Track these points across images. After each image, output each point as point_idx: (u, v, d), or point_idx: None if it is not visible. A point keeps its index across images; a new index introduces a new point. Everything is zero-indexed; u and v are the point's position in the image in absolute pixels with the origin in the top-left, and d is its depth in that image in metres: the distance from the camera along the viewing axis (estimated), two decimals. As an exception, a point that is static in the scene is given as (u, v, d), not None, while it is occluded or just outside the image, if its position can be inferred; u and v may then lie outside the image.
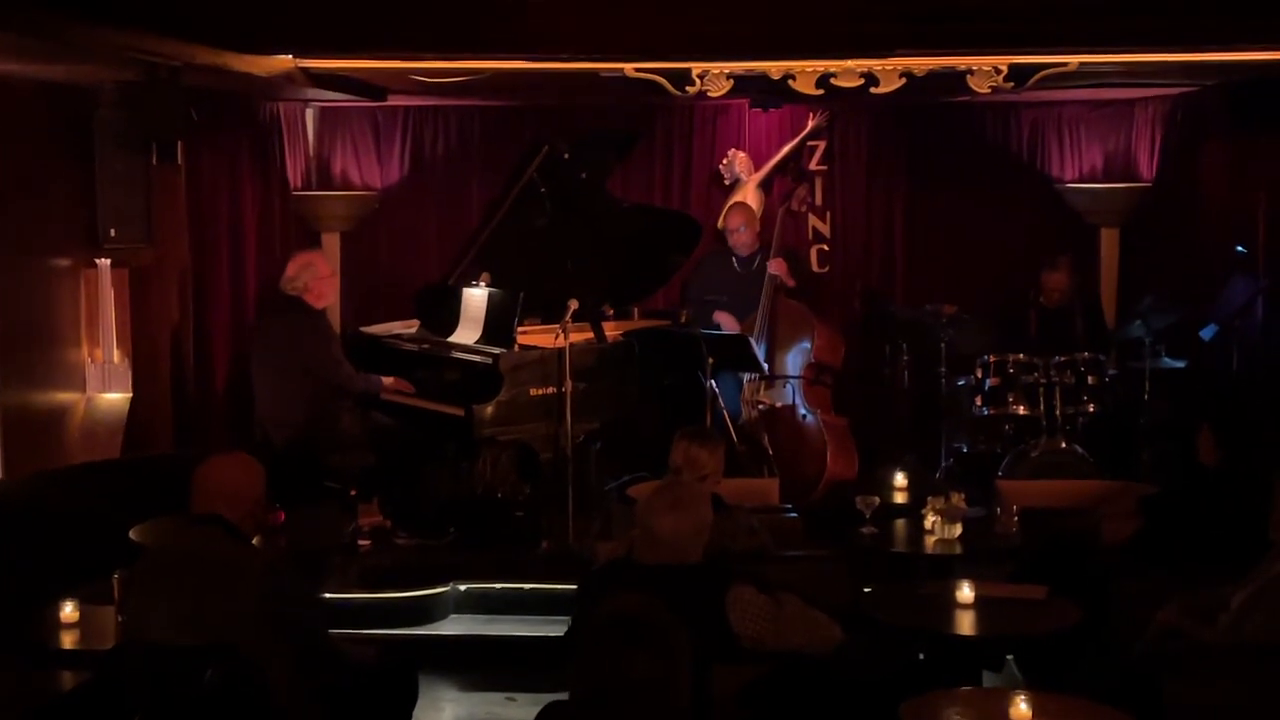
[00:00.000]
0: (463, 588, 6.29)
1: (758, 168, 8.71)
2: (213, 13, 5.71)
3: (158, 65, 5.76)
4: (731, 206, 8.31)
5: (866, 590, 4.87)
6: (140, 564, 3.92)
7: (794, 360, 7.67)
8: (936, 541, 5.38)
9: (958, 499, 5.43)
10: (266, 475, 4.20)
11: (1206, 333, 7.77)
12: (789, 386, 7.64)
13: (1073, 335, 7.71)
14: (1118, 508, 5.52)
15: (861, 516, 5.51)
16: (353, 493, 6.68)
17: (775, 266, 7.75)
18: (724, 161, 8.74)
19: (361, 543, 6.63)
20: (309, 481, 6.48)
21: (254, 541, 4.19)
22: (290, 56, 6.42)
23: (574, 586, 5.89)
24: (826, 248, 8.91)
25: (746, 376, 7.73)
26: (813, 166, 8.85)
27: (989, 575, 5.13)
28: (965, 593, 4.53)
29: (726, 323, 7.82)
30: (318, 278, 6.81)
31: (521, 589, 6.27)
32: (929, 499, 5.57)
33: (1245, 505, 4.60)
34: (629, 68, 6.60)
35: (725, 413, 7.44)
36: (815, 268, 8.71)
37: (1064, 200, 8.78)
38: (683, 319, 7.96)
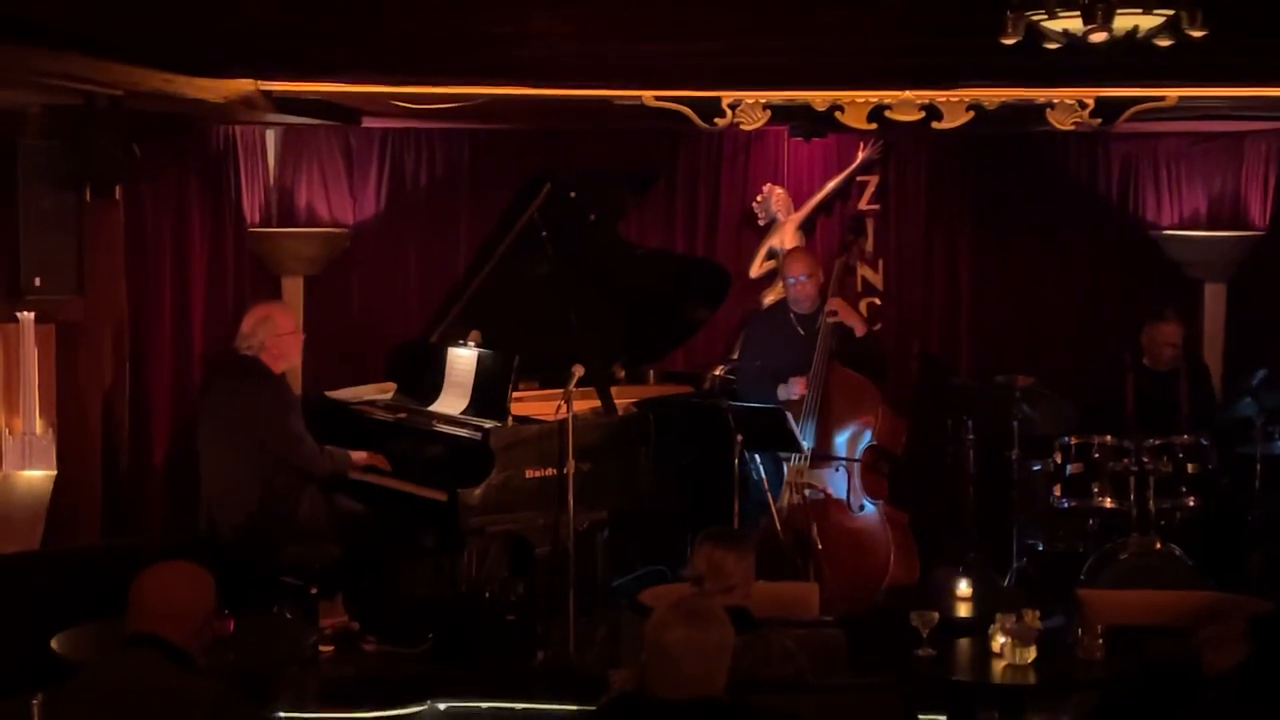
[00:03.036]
0: (442, 707, 6.28)
1: (798, 206, 8.78)
2: (161, 32, 5.73)
3: (96, 94, 5.82)
4: (791, 252, 8.30)
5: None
6: (68, 691, 3.96)
7: (851, 442, 7.64)
8: (1006, 668, 5.37)
9: (1032, 617, 5.43)
10: (214, 574, 4.23)
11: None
12: (841, 471, 7.64)
13: (1178, 408, 7.73)
14: (1221, 630, 5.51)
15: (917, 635, 5.53)
16: (313, 590, 6.69)
17: (836, 304, 7.69)
18: (758, 199, 8.81)
19: (323, 649, 6.63)
20: (263, 578, 6.50)
21: (201, 663, 4.23)
22: (252, 80, 6.49)
23: (575, 708, 6.01)
24: (879, 301, 8.97)
25: (794, 455, 7.72)
26: (863, 205, 8.91)
27: (1067, 711, 5.16)
28: (1039, 735, 4.55)
29: (796, 389, 7.70)
30: (277, 334, 6.84)
31: (513, 709, 6.26)
32: (998, 616, 5.57)
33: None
34: (648, 96, 6.68)
35: (769, 494, 7.48)
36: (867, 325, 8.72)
37: (1161, 250, 8.85)
38: (707, 384, 7.99)
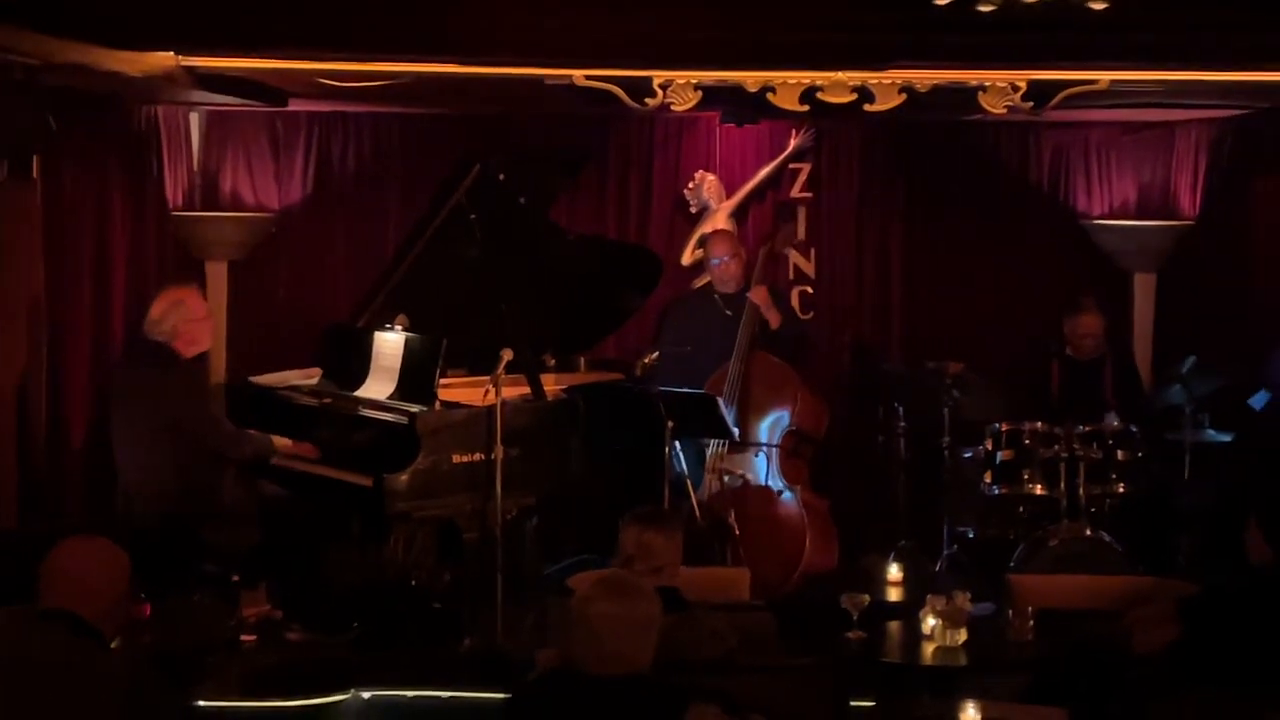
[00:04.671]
0: (366, 695, 6.20)
1: (730, 193, 8.79)
2: (79, 0, 5.68)
3: (12, 64, 5.73)
4: (713, 234, 8.34)
5: (853, 705, 4.88)
6: (-25, 668, 3.87)
7: (769, 427, 7.68)
8: (937, 650, 5.39)
9: (962, 599, 5.45)
10: (131, 560, 4.17)
11: (1257, 401, 7.85)
12: (760, 457, 7.64)
13: (1103, 396, 7.77)
14: (1151, 611, 5.53)
15: (848, 618, 5.51)
16: (235, 578, 6.62)
17: (757, 295, 7.75)
18: (690, 185, 8.79)
19: (245, 638, 6.55)
20: (182, 564, 6.43)
21: (114, 644, 4.16)
22: (172, 54, 6.40)
23: (502, 695, 5.93)
24: (810, 290, 8.96)
25: (713, 441, 7.72)
26: (795, 194, 8.91)
27: (999, 691, 5.16)
28: (970, 715, 4.55)
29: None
30: (189, 320, 6.78)
31: (439, 697, 6.19)
32: (928, 597, 5.58)
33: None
34: (578, 75, 6.64)
35: (689, 482, 7.44)
36: (798, 313, 8.73)
37: (1091, 239, 8.90)
38: (638, 371, 7.96)
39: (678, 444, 7.39)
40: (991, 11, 4.29)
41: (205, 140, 8.67)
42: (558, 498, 7.31)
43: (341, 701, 6.16)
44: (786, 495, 7.62)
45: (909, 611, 5.76)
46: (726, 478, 7.66)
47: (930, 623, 5.46)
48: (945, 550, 7.78)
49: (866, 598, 5.60)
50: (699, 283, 8.65)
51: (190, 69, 6.63)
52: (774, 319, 7.82)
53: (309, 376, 7.51)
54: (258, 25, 6.16)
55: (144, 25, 6.09)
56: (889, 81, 6.62)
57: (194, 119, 8.59)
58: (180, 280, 7.53)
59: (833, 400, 8.06)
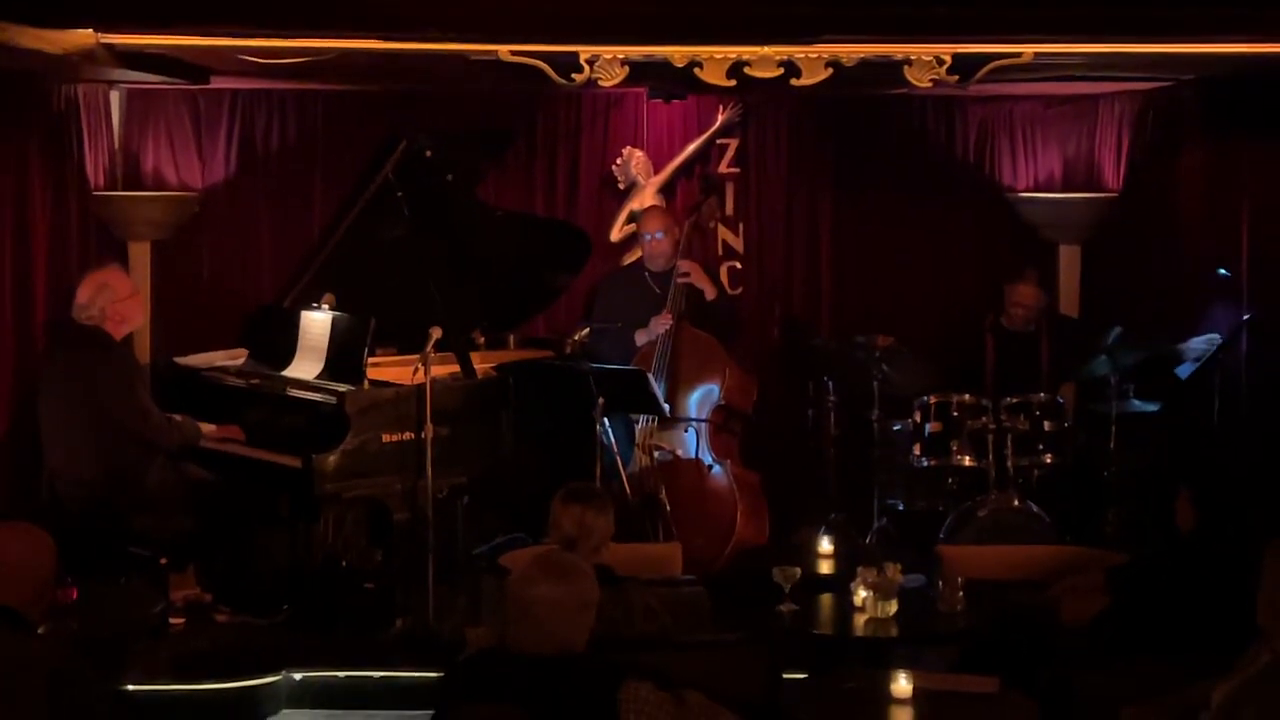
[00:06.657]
0: (298, 676, 6.23)
1: (658, 169, 8.76)
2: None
3: (-75, 41, 5.64)
4: (647, 210, 8.32)
5: (786, 678, 4.91)
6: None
7: (698, 402, 7.68)
8: (868, 621, 5.43)
9: (893, 571, 5.49)
10: (57, 545, 4.13)
11: (1183, 371, 7.91)
12: (690, 432, 7.65)
13: (1038, 367, 7.82)
14: (1079, 581, 5.60)
15: (780, 591, 5.53)
16: (163, 561, 6.59)
17: (687, 264, 7.76)
18: (618, 162, 8.76)
19: (173, 621, 6.56)
20: (109, 548, 6.38)
21: (41, 629, 4.11)
22: (92, 31, 6.31)
23: (435, 675, 5.95)
24: (739, 265, 8.96)
25: (642, 418, 7.72)
26: (723, 169, 8.91)
27: (930, 662, 5.22)
28: (902, 685, 4.60)
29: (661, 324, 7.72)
30: (116, 300, 6.71)
31: (370, 678, 6.23)
32: (859, 570, 5.61)
33: (1229, 581, 4.68)
34: (504, 50, 6.61)
35: (619, 459, 7.44)
36: (727, 289, 8.74)
37: (1017, 212, 8.94)
38: (568, 349, 7.94)
39: (606, 420, 7.39)
40: (917, -16, 4.30)
41: (126, 119, 8.57)
42: (488, 476, 7.26)
43: (273, 683, 6.17)
44: (717, 470, 7.63)
45: (840, 584, 5.80)
46: (656, 453, 7.67)
47: (861, 595, 5.50)
48: (875, 523, 7.80)
49: (798, 571, 5.63)
50: (629, 259, 8.64)
51: (110, 46, 6.54)
52: (709, 288, 7.81)
53: (235, 357, 7.46)
54: (178, 1, 6.08)
55: (62, 2, 6.00)
56: (815, 56, 6.61)
57: (114, 97, 8.47)
58: (101, 262, 7.45)
59: (763, 375, 8.09)
